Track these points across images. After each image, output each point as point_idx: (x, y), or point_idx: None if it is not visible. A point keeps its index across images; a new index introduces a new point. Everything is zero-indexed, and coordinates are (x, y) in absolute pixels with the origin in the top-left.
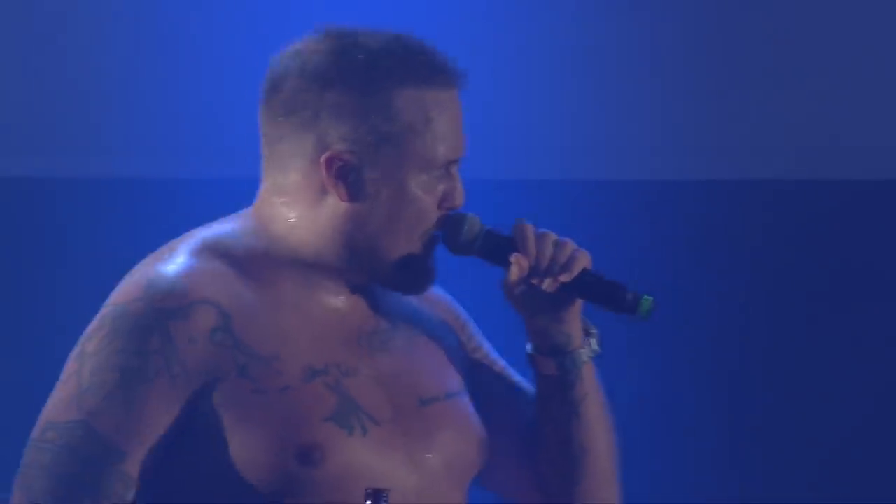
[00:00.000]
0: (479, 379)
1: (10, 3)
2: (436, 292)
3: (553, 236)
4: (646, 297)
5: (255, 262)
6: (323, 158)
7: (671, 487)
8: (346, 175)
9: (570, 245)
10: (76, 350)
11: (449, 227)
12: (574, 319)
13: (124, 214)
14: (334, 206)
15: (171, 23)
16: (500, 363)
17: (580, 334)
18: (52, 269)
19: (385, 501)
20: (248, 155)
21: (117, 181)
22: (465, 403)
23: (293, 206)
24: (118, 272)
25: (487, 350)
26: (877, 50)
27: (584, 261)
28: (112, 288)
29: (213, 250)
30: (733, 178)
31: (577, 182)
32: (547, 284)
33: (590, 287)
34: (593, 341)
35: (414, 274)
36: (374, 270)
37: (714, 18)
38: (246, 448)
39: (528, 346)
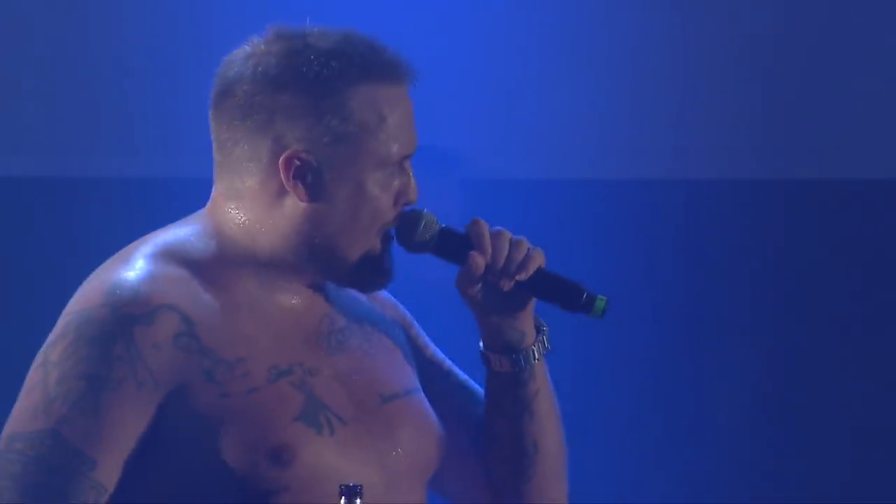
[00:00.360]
0: (428, 378)
1: (11, 4)
2: (381, 293)
3: (508, 234)
4: (600, 297)
5: (211, 266)
6: (282, 159)
7: (675, 488)
8: (304, 175)
9: (525, 243)
10: (39, 359)
11: (404, 225)
12: (527, 317)
13: (125, 214)
14: (292, 206)
15: (171, 23)
16: (448, 363)
17: (533, 332)
18: (52, 269)
19: (359, 497)
20: None
21: (118, 181)
22: (422, 400)
23: (250, 208)
24: None
25: (434, 350)
26: (877, 50)
27: (539, 259)
28: None
29: (170, 255)
30: (733, 179)
31: (576, 182)
32: (503, 283)
33: (545, 286)
34: (545, 338)
35: (372, 271)
36: (332, 270)
37: (715, 19)
38: (217, 452)
39: (481, 344)
